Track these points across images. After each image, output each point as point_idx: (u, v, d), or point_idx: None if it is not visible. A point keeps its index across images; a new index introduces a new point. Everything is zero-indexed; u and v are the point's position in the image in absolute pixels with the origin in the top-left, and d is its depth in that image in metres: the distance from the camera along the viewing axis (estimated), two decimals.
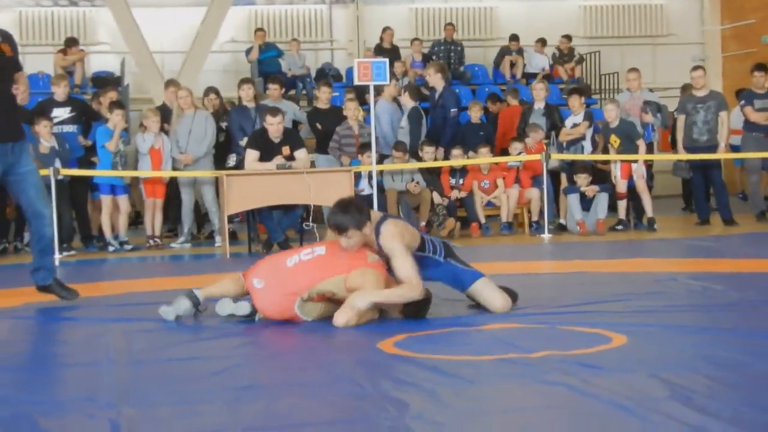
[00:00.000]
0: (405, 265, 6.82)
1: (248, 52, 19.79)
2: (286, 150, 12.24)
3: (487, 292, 7.20)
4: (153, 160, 13.37)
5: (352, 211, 6.92)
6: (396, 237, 6.90)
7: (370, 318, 6.87)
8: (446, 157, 14.47)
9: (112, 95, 14.36)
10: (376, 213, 7.37)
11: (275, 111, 12.31)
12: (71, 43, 19.02)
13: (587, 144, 14.42)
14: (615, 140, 13.81)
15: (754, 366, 5.18)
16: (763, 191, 15.30)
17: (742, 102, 14.85)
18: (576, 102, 14.66)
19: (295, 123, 14.31)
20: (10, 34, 8.16)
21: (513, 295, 7.39)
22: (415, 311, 6.92)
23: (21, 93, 7.95)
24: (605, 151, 14.13)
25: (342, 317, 6.72)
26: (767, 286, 8.31)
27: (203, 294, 7.33)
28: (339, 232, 6.93)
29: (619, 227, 13.89)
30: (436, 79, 15.27)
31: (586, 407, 4.45)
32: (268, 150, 12.22)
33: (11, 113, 7.91)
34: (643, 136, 14.00)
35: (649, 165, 14.42)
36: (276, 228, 12.48)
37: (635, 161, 13.80)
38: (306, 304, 6.91)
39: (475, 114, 15.44)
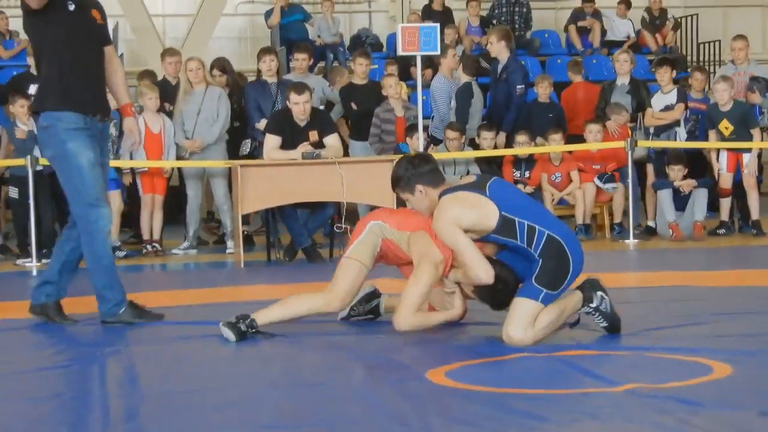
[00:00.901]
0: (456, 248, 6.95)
1: (268, 15, 19.83)
2: (313, 135, 12.22)
3: (514, 314, 6.86)
4: (151, 147, 13.43)
5: (402, 167, 7.28)
6: (442, 219, 6.90)
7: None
8: (509, 145, 14.45)
9: None
10: (451, 182, 7.52)
11: (301, 87, 12.28)
12: None
13: (681, 130, 14.28)
14: (727, 127, 13.70)
15: None
16: None
17: None
18: (666, 76, 14.46)
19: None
20: (99, 2, 8.43)
21: (615, 326, 7.11)
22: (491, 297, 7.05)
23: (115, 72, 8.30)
24: (705, 137, 14.07)
25: (401, 322, 7.10)
26: None
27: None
28: (392, 187, 7.39)
29: (721, 231, 13.86)
30: (499, 48, 15.06)
31: None
32: (292, 135, 12.20)
33: (99, 87, 8.18)
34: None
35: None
36: (301, 230, 12.52)
37: (747, 150, 13.74)
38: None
39: (544, 91, 15.33)
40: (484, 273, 6.82)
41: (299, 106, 12.12)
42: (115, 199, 13.41)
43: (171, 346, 7.22)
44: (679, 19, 21.20)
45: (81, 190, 7.91)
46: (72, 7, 7.95)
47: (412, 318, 7.10)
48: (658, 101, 14.46)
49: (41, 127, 8.09)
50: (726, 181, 13.82)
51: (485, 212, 6.86)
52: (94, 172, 7.90)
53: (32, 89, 13.47)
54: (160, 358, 6.89)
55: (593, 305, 6.93)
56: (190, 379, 6.25)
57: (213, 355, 6.94)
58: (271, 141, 12.25)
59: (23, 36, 18.42)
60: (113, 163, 13.15)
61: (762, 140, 14.14)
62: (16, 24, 18.96)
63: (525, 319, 6.77)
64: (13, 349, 7.48)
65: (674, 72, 14.83)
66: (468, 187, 7.12)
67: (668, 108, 14.30)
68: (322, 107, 13.41)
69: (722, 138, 13.74)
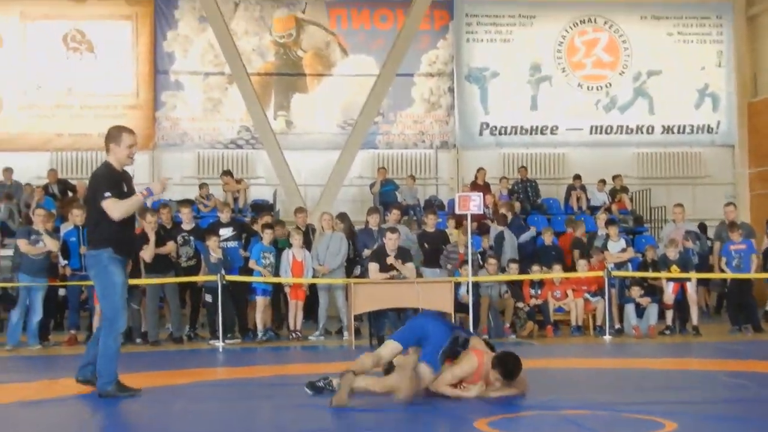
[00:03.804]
0: None
1: (372, 185, 19.98)
2: (398, 263, 12.23)
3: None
4: (296, 269, 13.51)
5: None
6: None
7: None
8: (526, 272, 14.42)
9: (267, 219, 14.60)
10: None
11: (394, 229, 12.47)
12: (227, 173, 19.52)
13: (629, 265, 14.39)
14: (675, 269, 13.65)
15: None
16: None
17: None
18: (613, 231, 14.62)
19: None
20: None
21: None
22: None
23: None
24: (654, 268, 13.98)
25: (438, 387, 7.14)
26: None
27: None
28: None
29: (667, 332, 13.63)
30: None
31: None
32: (385, 262, 12.24)
33: (131, 234, 7.91)
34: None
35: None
36: (383, 325, 12.58)
37: (688, 280, 13.71)
38: None
39: (548, 238, 15.46)
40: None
41: (391, 242, 12.19)
42: (265, 304, 13.44)
43: (309, 399, 7.17)
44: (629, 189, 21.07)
45: (112, 299, 7.52)
46: (125, 189, 7.64)
47: (444, 388, 7.07)
48: (614, 246, 14.51)
49: (91, 255, 7.68)
50: (669, 299, 13.66)
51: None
52: (123, 288, 7.57)
53: (222, 231, 13.68)
54: (299, 407, 6.83)
55: None
56: (316, 421, 6.20)
57: (336, 409, 6.85)
58: (373, 267, 12.30)
59: (217, 197, 18.75)
60: (273, 279, 13.28)
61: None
62: (213, 189, 19.33)
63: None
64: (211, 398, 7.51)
65: (617, 227, 15.03)
66: None
67: (623, 250, 14.41)
68: (406, 246, 13.39)
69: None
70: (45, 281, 12.76)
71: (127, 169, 7.90)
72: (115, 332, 7.50)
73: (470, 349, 7.21)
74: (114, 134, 7.71)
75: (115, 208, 7.48)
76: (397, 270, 12.17)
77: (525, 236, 15.90)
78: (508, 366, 7.05)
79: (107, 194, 7.48)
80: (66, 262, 13.04)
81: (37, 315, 12.59)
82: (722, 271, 14.12)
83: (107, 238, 7.56)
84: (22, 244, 12.64)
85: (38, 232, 12.72)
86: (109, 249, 7.54)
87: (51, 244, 12.70)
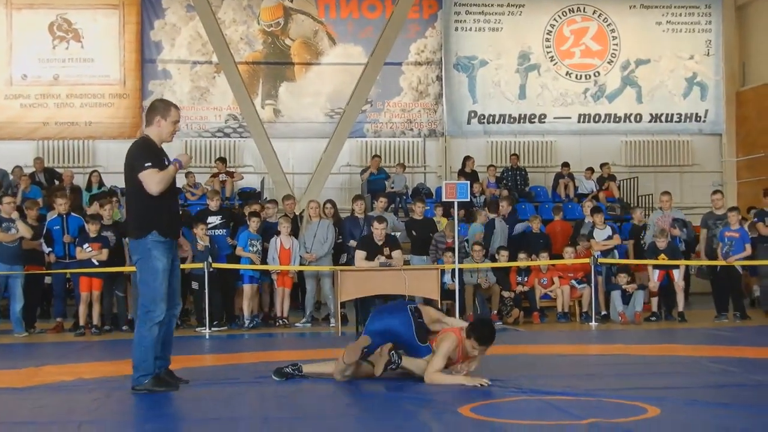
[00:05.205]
0: None
1: (363, 172, 19.83)
2: (387, 251, 12.18)
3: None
4: (284, 257, 13.46)
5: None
6: None
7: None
8: (514, 259, 14.38)
9: (255, 207, 14.53)
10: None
11: (381, 219, 12.34)
12: (220, 160, 19.37)
13: (616, 252, 14.34)
14: (663, 258, 13.61)
15: None
16: None
17: (755, 219, 14.58)
18: (598, 218, 14.56)
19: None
20: None
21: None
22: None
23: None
24: (640, 255, 13.95)
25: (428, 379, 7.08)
26: None
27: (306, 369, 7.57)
28: None
29: (653, 318, 13.62)
30: (505, 206, 15.40)
31: None
32: (372, 251, 12.16)
33: (176, 216, 7.44)
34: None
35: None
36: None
37: (675, 267, 13.66)
38: None
39: (536, 225, 15.37)
40: None
41: (378, 231, 12.12)
42: (253, 291, 13.39)
43: (287, 383, 7.15)
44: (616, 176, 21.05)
45: (152, 286, 7.00)
46: (167, 163, 7.14)
47: (437, 377, 7.09)
48: (600, 234, 14.44)
49: (134, 239, 7.16)
50: (655, 287, 13.65)
51: None
52: (164, 275, 7.02)
53: (210, 219, 13.62)
54: (284, 394, 6.82)
55: None
56: (302, 409, 6.17)
57: (320, 392, 6.84)
58: (360, 255, 12.23)
59: (205, 186, 18.63)
60: (260, 267, 13.24)
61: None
62: (200, 178, 19.24)
63: None
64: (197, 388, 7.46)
65: (602, 215, 14.77)
66: None
67: (609, 238, 14.32)
68: (393, 234, 13.33)
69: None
70: (21, 268, 12.67)
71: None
72: (150, 322, 7.00)
73: (449, 329, 7.24)
74: (162, 107, 7.24)
75: (153, 180, 6.95)
76: (386, 257, 12.08)
77: (519, 227, 15.71)
78: (483, 332, 7.11)
79: (147, 164, 6.97)
80: (50, 249, 12.95)
81: (19, 302, 12.51)
82: (714, 258, 14.04)
83: (152, 220, 7.05)
84: None
85: (11, 219, 12.61)
86: (153, 232, 7.04)
87: (24, 230, 12.59)
